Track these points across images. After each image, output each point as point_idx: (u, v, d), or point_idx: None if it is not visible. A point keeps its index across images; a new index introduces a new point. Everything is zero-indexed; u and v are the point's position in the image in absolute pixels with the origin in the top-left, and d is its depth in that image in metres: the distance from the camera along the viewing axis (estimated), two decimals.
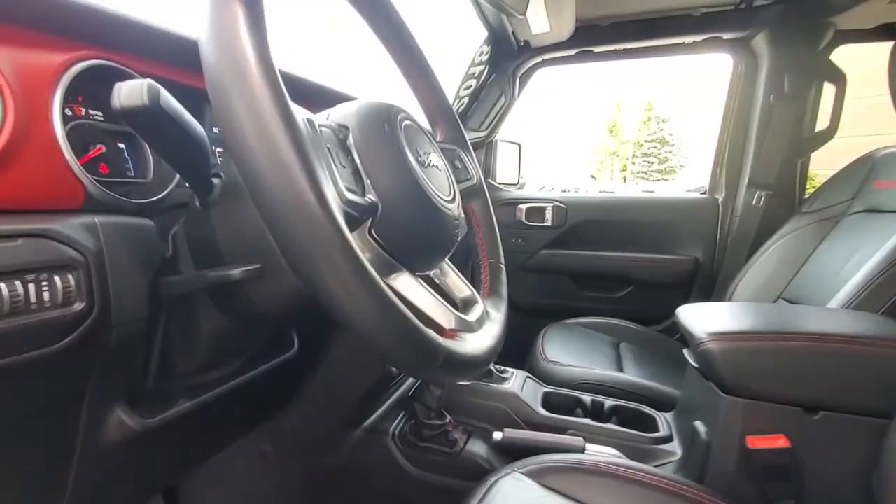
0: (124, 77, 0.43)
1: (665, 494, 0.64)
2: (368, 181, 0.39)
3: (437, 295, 0.42)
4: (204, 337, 0.49)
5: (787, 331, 0.69)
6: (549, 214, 1.67)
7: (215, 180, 0.43)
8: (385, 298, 0.30)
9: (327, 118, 0.42)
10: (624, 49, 1.51)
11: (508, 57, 1.56)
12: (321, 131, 0.35)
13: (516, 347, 1.38)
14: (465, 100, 1.64)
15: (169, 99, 0.33)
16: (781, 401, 0.66)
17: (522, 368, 1.08)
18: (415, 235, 0.43)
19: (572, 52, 1.52)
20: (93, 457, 0.44)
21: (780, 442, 0.65)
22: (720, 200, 1.53)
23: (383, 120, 0.42)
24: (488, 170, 1.78)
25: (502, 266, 0.61)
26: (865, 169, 1.18)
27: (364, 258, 0.29)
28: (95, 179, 0.39)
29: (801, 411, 0.66)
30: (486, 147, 1.75)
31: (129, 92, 0.31)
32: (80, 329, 0.34)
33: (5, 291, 0.30)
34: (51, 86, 0.36)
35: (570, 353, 1.23)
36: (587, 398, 0.96)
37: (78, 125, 0.40)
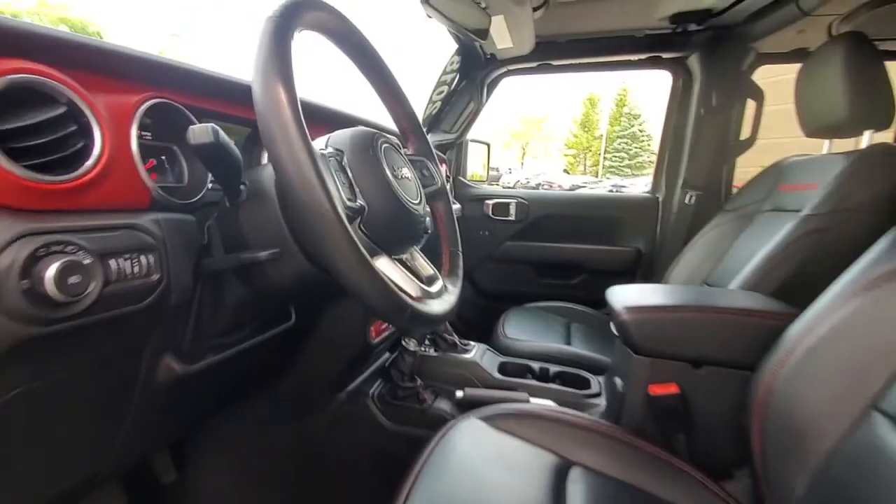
0: (171, 108, 0.57)
1: (587, 431, 0.83)
2: (358, 190, 0.55)
3: (406, 272, 0.58)
4: (228, 306, 0.64)
5: (680, 304, 0.88)
6: (512, 210, 1.85)
7: (242, 187, 0.57)
8: (372, 270, 0.46)
9: (327, 142, 0.57)
10: (579, 63, 1.69)
11: (477, 67, 1.73)
12: (328, 156, 0.51)
13: (481, 327, 1.57)
14: (438, 104, 1.79)
15: (222, 134, 0.48)
16: (675, 358, 0.85)
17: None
18: (390, 229, 0.58)
19: (533, 64, 1.70)
20: (148, 392, 0.58)
21: (673, 389, 0.84)
22: (660, 199, 1.74)
23: (368, 146, 0.57)
24: (459, 168, 1.95)
25: (460, 253, 0.78)
26: (775, 174, 1.40)
27: (359, 244, 0.45)
28: (157, 187, 0.54)
29: (689, 366, 0.85)
30: (457, 147, 1.91)
31: (201, 133, 0.45)
32: (154, 293, 0.49)
33: (114, 266, 0.44)
34: (130, 119, 0.50)
35: (526, 331, 1.41)
36: (536, 365, 1.15)
37: (139, 145, 0.55)
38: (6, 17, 0.40)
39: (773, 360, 0.73)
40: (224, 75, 0.64)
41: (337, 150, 0.55)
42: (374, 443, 1.04)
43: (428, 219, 0.67)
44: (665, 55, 1.61)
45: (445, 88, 1.76)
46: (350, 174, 0.54)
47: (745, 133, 1.61)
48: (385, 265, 0.56)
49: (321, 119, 0.86)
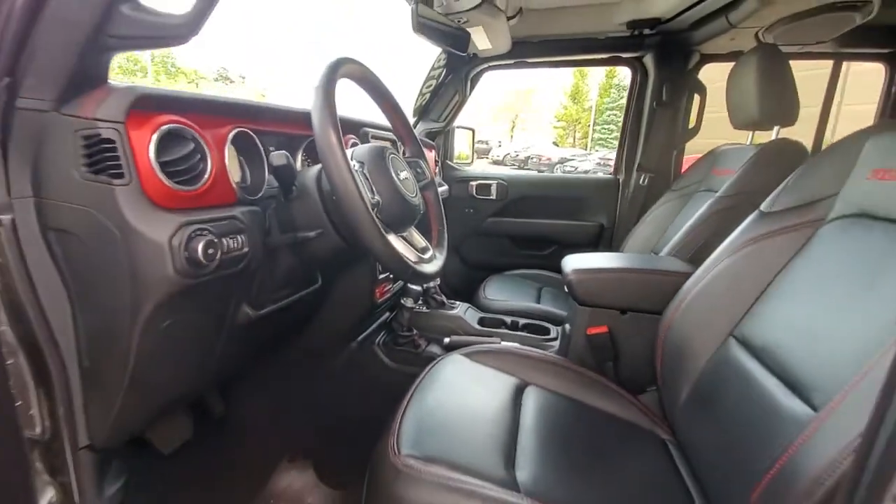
0: (244, 133, 0.82)
1: (542, 362, 1.11)
2: (375, 190, 0.81)
3: (407, 244, 0.85)
4: (281, 271, 0.90)
5: (611, 267, 1.17)
6: (494, 190, 2.12)
7: (293, 187, 0.83)
8: (388, 243, 0.73)
9: (352, 156, 0.83)
10: (551, 60, 1.93)
11: (461, 63, 1.95)
12: (356, 167, 0.76)
13: (466, 291, 1.85)
14: (427, 96, 2.02)
15: (290, 158, 0.73)
16: (607, 307, 1.14)
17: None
18: (396, 215, 0.85)
19: (511, 61, 1.93)
20: (230, 330, 0.85)
21: (605, 330, 1.14)
22: (620, 180, 2.01)
23: (381, 157, 0.83)
24: (447, 153, 2.19)
25: (445, 230, 1.04)
26: (711, 160, 1.67)
27: (379, 225, 0.72)
28: (238, 188, 0.79)
29: (617, 313, 1.14)
30: (444, 135, 2.15)
31: (278, 157, 0.71)
32: (244, 260, 0.75)
33: (226, 242, 0.70)
34: (224, 144, 0.75)
35: (503, 293, 1.70)
36: (508, 319, 1.44)
37: None
38: (161, 88, 0.65)
39: (672, 305, 1.02)
40: (275, 105, 0.89)
41: (360, 162, 0.81)
42: (380, 379, 1.33)
43: (421, 205, 0.94)
44: (624, 55, 1.85)
45: (433, 82, 1.99)
46: (370, 178, 0.80)
47: (692, 123, 1.87)
48: (393, 240, 0.83)
49: (349, 128, 1.13)
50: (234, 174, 0.86)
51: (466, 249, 2.24)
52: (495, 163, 22.03)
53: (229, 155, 0.76)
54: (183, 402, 0.93)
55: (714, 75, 1.80)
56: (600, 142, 30.91)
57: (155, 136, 0.61)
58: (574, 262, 1.21)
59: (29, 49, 0.54)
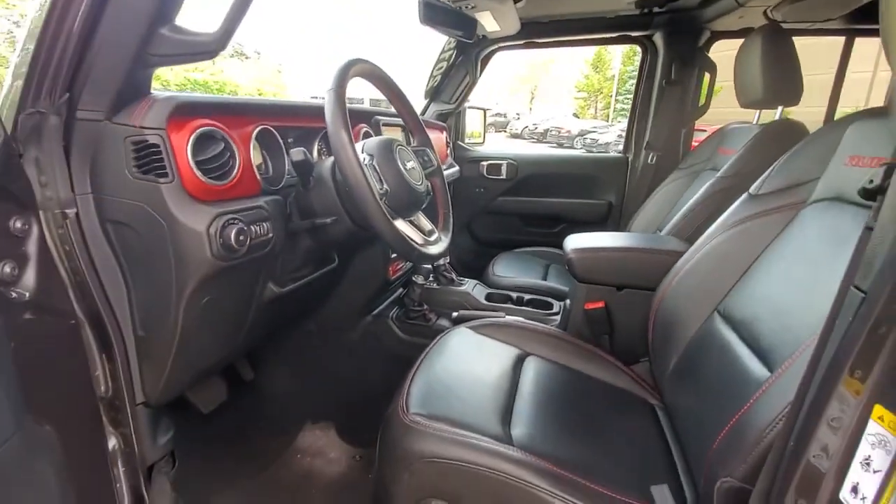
0: (266, 130, 0.91)
1: (543, 335, 1.19)
2: (384, 179, 0.89)
3: (414, 228, 0.94)
4: (301, 252, 1.00)
5: (609, 246, 1.23)
6: (504, 169, 2.17)
7: (311, 178, 0.92)
8: (394, 228, 0.81)
9: (363, 148, 0.91)
10: (560, 40, 1.94)
11: (471, 45, 1.98)
12: (366, 160, 0.85)
13: (477, 268, 1.94)
14: (438, 78, 2.06)
15: (307, 153, 0.82)
16: (604, 283, 1.22)
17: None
18: (403, 202, 0.93)
19: (521, 41, 1.95)
20: (259, 304, 0.96)
21: (601, 305, 1.21)
22: (629, 159, 2.04)
23: (389, 150, 0.91)
24: (458, 133, 2.24)
25: (450, 214, 1.12)
26: (718, 138, 1.68)
27: (386, 212, 0.80)
28: (261, 179, 0.88)
29: (614, 289, 1.22)
30: (455, 115, 2.19)
31: (297, 153, 0.80)
32: (269, 245, 0.85)
33: (253, 229, 0.80)
34: (249, 141, 0.84)
35: (511, 270, 1.78)
36: (514, 294, 1.52)
37: None
38: (194, 94, 0.74)
39: (665, 282, 1.09)
40: (292, 102, 0.98)
41: (370, 154, 0.89)
42: (393, 350, 1.45)
43: (428, 191, 1.02)
44: (633, 34, 1.85)
45: (444, 64, 2.02)
46: (378, 170, 0.89)
47: (702, 101, 1.87)
48: (401, 224, 0.92)
49: (361, 118, 1.22)
50: (258, 167, 0.95)
51: (477, 228, 2.31)
52: (513, 136, 21.63)
53: (253, 150, 0.85)
54: (219, 367, 1.06)
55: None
56: (623, 112, 29.86)
57: (191, 139, 0.71)
58: (574, 242, 1.28)
59: (84, 69, 0.64)
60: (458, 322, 1.39)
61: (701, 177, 1.67)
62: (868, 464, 0.42)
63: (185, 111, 0.71)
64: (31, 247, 0.55)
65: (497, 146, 2.58)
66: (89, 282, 0.71)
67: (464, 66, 2.04)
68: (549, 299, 1.49)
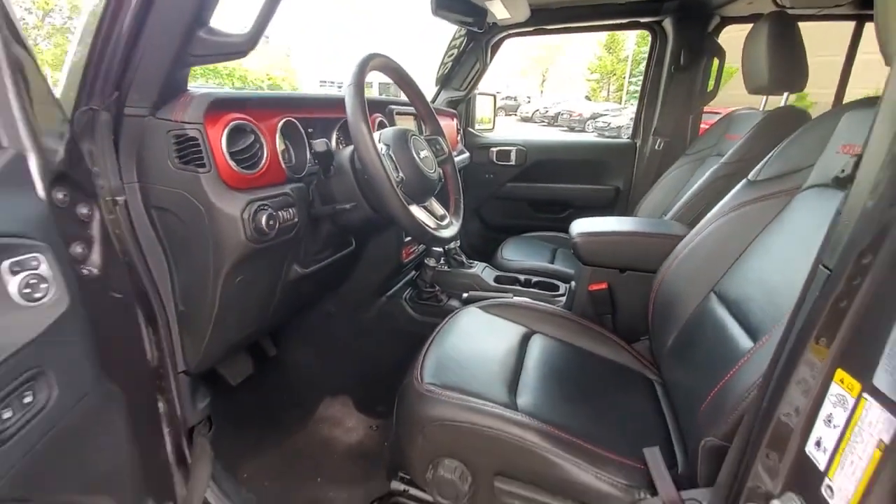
0: (292, 124, 0.97)
1: (548, 314, 1.26)
2: (399, 168, 0.95)
3: (427, 212, 1.00)
4: (322, 236, 1.08)
5: (612, 231, 1.29)
6: (513, 156, 2.21)
7: (332, 166, 0.99)
8: (409, 213, 0.88)
9: (380, 138, 0.97)
10: (569, 27, 1.96)
11: (481, 32, 2.01)
12: (383, 149, 0.91)
13: (486, 252, 2.00)
14: (449, 65, 2.10)
15: (329, 144, 0.89)
16: (607, 266, 1.27)
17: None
18: (417, 189, 0.99)
19: (530, 28, 1.97)
20: (284, 284, 1.04)
21: (605, 286, 1.27)
22: (637, 144, 2.07)
23: (404, 140, 0.97)
24: (469, 120, 2.29)
25: (461, 199, 1.18)
26: (725, 124, 1.71)
27: (401, 198, 0.87)
28: (286, 167, 0.95)
29: (617, 271, 1.27)
30: (466, 102, 2.23)
31: (319, 144, 0.87)
32: (295, 229, 0.92)
33: (282, 214, 0.87)
34: (275, 132, 0.91)
35: (519, 253, 1.84)
36: (522, 277, 1.59)
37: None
38: (227, 91, 0.81)
39: (665, 264, 1.14)
40: (314, 95, 1.04)
41: (386, 144, 0.96)
42: (406, 328, 1.53)
43: (440, 178, 1.08)
44: (642, 20, 1.86)
45: (455, 52, 2.06)
46: (394, 159, 0.95)
47: (711, 87, 1.89)
48: (415, 209, 0.99)
49: (377, 108, 1.29)
50: (283, 155, 1.02)
51: (487, 213, 2.37)
52: (524, 120, 21.40)
53: (279, 141, 0.92)
54: (249, 341, 1.15)
55: None
56: (636, 94, 29.32)
57: (225, 132, 0.78)
58: (580, 226, 1.34)
59: (131, 69, 0.70)
60: (467, 302, 1.47)
61: (707, 162, 1.70)
62: (829, 421, 0.48)
63: (219, 106, 0.78)
64: (95, 230, 0.63)
65: (506, 132, 2.60)
66: (136, 262, 0.79)
67: (474, 54, 2.07)
68: (556, 281, 1.55)
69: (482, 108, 2.37)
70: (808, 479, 0.45)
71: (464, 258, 1.61)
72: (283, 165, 0.93)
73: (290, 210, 0.90)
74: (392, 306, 1.54)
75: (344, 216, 1.01)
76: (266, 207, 0.83)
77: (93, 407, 0.57)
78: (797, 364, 0.52)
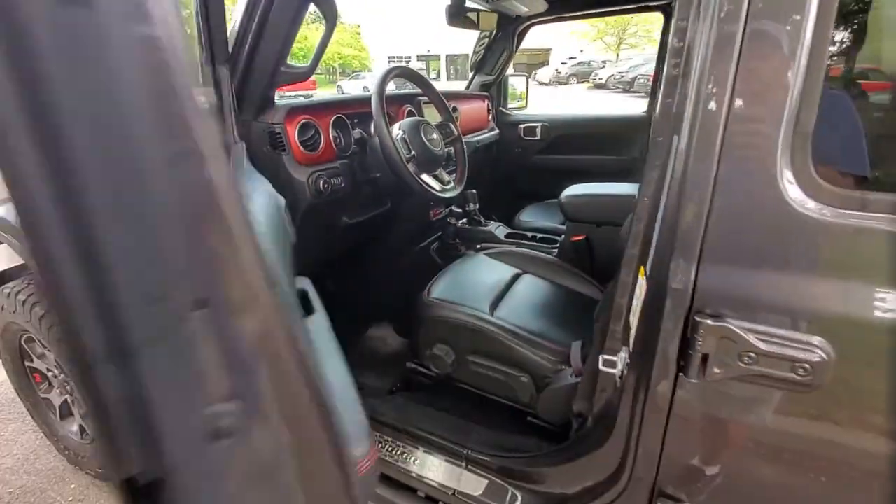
0: (340, 118, 1.40)
1: (539, 260, 1.61)
2: (412, 147, 1.35)
3: (435, 179, 1.40)
4: (362, 196, 1.51)
5: (591, 193, 1.59)
6: (538, 131, 2.51)
7: (368, 148, 1.40)
8: (415, 177, 1.28)
9: (399, 126, 1.37)
10: (584, 14, 2.19)
11: (507, 23, 2.30)
12: (398, 136, 1.32)
13: (511, 215, 2.34)
14: (481, 52, 2.42)
15: (364, 132, 1.31)
16: (586, 221, 1.59)
17: None
18: (426, 162, 1.39)
19: (550, 17, 2.23)
20: (336, 230, 1.49)
21: (582, 238, 1.59)
22: (653, 117, 2.26)
23: (416, 127, 1.36)
24: (501, 100, 2.60)
25: (466, 170, 1.56)
26: None
27: (410, 170, 1.27)
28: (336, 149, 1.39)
29: (594, 226, 1.59)
30: (497, 85, 2.54)
31: (357, 133, 1.29)
32: (342, 191, 1.36)
33: (333, 181, 1.31)
34: (329, 125, 1.35)
35: (536, 216, 2.18)
36: (529, 234, 1.93)
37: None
38: (299, 99, 1.25)
39: (628, 219, 1.44)
40: (353, 96, 1.46)
41: (403, 130, 1.35)
42: (432, 269, 1.94)
43: (447, 154, 1.46)
44: (653, 3, 2.05)
45: (486, 40, 2.37)
46: (408, 141, 1.35)
47: None
48: (426, 177, 1.38)
49: (407, 100, 1.68)
50: (334, 140, 1.46)
51: (519, 182, 2.70)
52: (597, 87, 20.47)
53: (331, 131, 1.36)
54: (317, 266, 1.64)
55: None
56: None
57: (297, 128, 1.22)
58: (569, 190, 1.66)
59: (247, 92, 1.16)
60: (479, 251, 1.85)
61: None
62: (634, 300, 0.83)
63: (293, 112, 1.22)
64: None
65: (539, 108, 2.88)
66: None
67: (502, 42, 2.37)
68: (556, 237, 1.88)
69: (518, 87, 2.67)
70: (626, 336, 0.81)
71: (481, 218, 1.98)
72: (334, 147, 1.37)
73: (339, 178, 1.34)
74: (422, 255, 1.96)
75: (376, 182, 1.44)
76: (322, 176, 1.27)
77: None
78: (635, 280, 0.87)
